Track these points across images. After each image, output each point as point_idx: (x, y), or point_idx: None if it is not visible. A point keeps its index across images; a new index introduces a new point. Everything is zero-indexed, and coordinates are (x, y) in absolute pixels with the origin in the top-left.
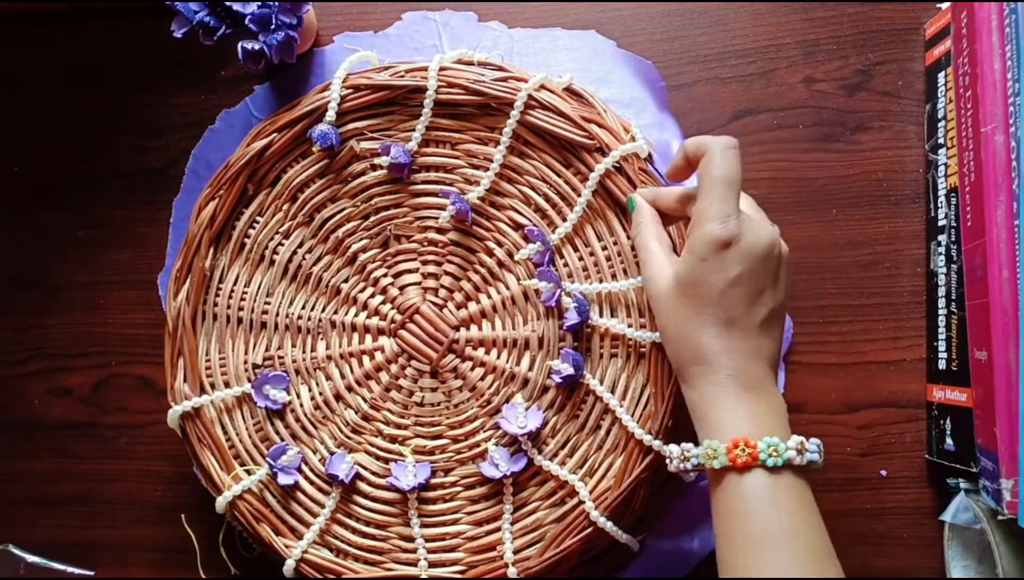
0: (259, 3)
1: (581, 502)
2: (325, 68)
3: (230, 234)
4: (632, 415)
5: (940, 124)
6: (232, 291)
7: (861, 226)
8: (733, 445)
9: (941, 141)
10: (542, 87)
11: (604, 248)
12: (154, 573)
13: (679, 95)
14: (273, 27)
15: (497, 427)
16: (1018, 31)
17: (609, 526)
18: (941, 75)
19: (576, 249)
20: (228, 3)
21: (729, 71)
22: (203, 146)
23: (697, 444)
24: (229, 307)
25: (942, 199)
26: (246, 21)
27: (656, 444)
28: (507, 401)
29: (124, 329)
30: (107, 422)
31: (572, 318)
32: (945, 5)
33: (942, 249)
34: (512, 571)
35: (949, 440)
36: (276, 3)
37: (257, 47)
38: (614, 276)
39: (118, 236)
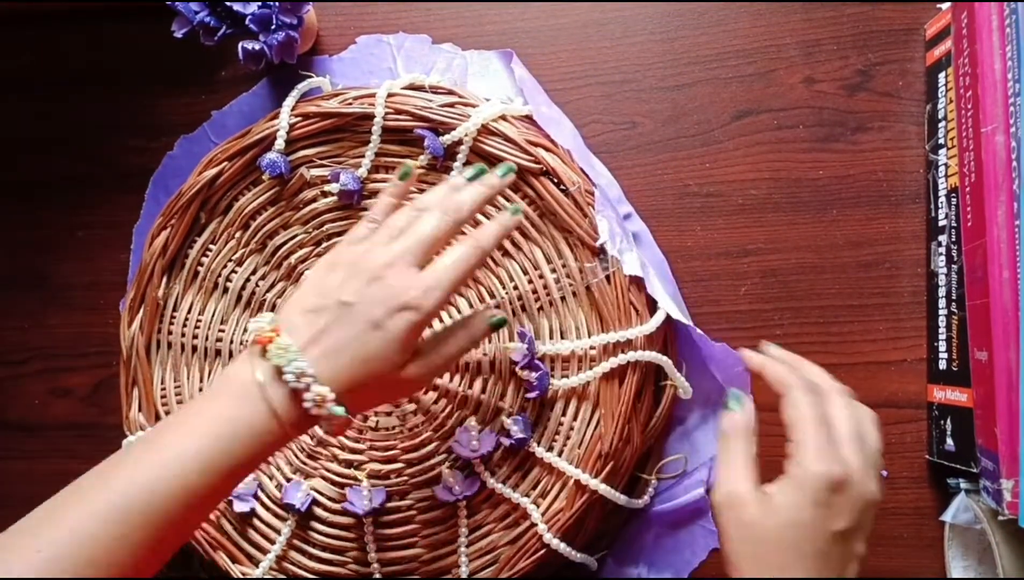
0: (259, 3)
1: (534, 524)
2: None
3: (183, 262)
4: (583, 436)
5: (940, 124)
6: (186, 319)
7: (861, 226)
8: None
9: (941, 141)
10: (501, 118)
11: (553, 270)
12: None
13: (679, 95)
14: (273, 27)
15: (451, 451)
16: (1018, 31)
17: (562, 547)
18: (941, 75)
19: (526, 272)
20: (228, 3)
21: (729, 71)
22: (162, 172)
23: None
24: (184, 335)
25: (942, 199)
26: (246, 21)
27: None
28: (460, 424)
29: None
30: (107, 422)
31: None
32: (945, 5)
33: (942, 249)
34: None
35: (949, 440)
36: (276, 3)
37: (257, 47)
38: (563, 299)
39: (118, 236)
